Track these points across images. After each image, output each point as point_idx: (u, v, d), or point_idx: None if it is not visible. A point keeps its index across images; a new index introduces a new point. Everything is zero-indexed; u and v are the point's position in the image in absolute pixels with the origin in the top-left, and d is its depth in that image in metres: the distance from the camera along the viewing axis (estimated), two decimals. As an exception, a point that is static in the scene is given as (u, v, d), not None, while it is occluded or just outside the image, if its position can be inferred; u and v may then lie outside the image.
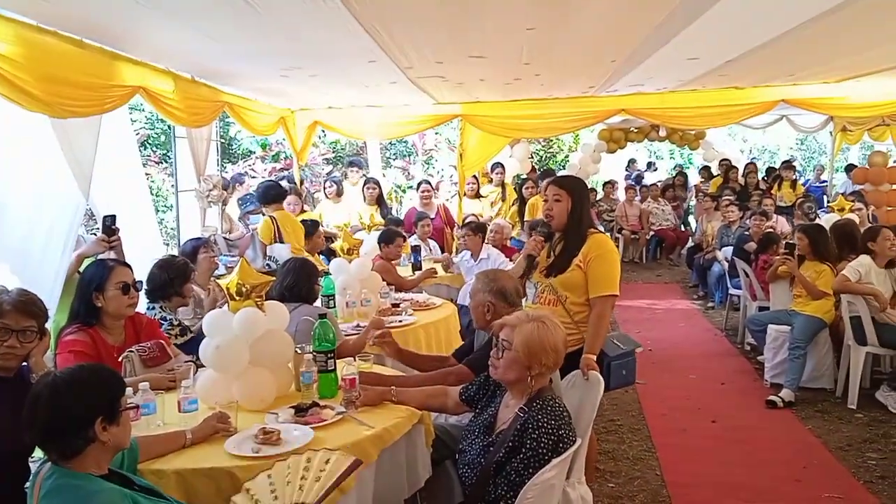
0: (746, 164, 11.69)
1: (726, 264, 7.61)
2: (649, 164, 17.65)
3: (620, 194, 12.87)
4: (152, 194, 10.64)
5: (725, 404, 5.12)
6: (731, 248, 7.54)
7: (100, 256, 4.01)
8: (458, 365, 3.18)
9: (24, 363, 2.59)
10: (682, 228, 12.28)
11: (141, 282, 3.20)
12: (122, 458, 2.10)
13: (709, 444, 4.42)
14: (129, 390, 2.36)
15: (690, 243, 10.48)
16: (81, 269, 3.99)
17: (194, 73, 5.44)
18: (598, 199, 12.43)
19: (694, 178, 14.24)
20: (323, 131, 10.48)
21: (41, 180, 3.88)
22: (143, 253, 4.76)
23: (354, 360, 2.87)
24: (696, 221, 10.68)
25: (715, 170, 12.54)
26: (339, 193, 7.90)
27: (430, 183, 8.65)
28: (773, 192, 10.28)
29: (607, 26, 4.40)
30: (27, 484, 1.92)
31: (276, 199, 5.99)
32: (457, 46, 4.87)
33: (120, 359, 3.00)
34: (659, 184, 13.36)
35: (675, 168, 14.86)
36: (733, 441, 4.44)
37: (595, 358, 3.12)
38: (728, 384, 5.58)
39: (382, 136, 9.24)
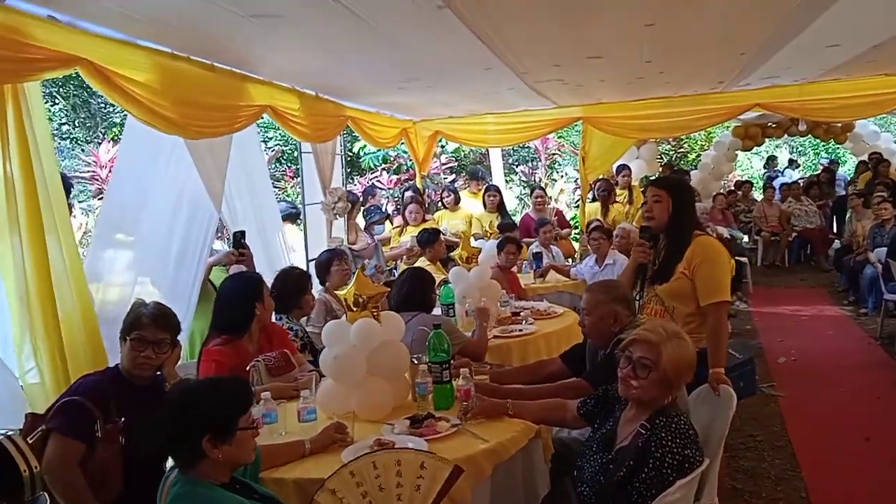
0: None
1: (880, 266, 6.95)
2: (790, 162, 16.54)
3: (758, 194, 12.14)
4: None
5: (882, 421, 4.64)
6: (884, 250, 6.88)
7: (231, 270, 4.24)
8: (575, 378, 3.06)
9: (158, 372, 2.74)
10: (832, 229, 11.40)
11: (274, 292, 3.33)
12: (246, 467, 2.16)
13: (862, 464, 4.02)
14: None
15: (838, 244, 9.70)
16: (212, 279, 4.25)
17: (318, 90, 5.64)
18: (735, 200, 11.80)
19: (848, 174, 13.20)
20: (443, 141, 10.61)
21: (178, 195, 4.13)
22: (273, 265, 4.96)
23: (471, 371, 2.83)
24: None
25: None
26: (457, 202, 7.93)
27: (543, 188, 8.54)
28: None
29: (733, 17, 4.10)
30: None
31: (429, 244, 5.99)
32: (573, 48, 4.74)
33: (248, 368, 3.12)
34: (801, 182, 12.47)
35: (819, 164, 13.77)
36: (891, 462, 4.01)
37: (723, 371, 2.89)
38: (885, 398, 5.06)
39: (502, 142, 9.19)
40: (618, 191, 9.18)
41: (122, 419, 2.51)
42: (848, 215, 9.42)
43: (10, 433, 1.93)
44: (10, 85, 2.83)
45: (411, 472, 2.03)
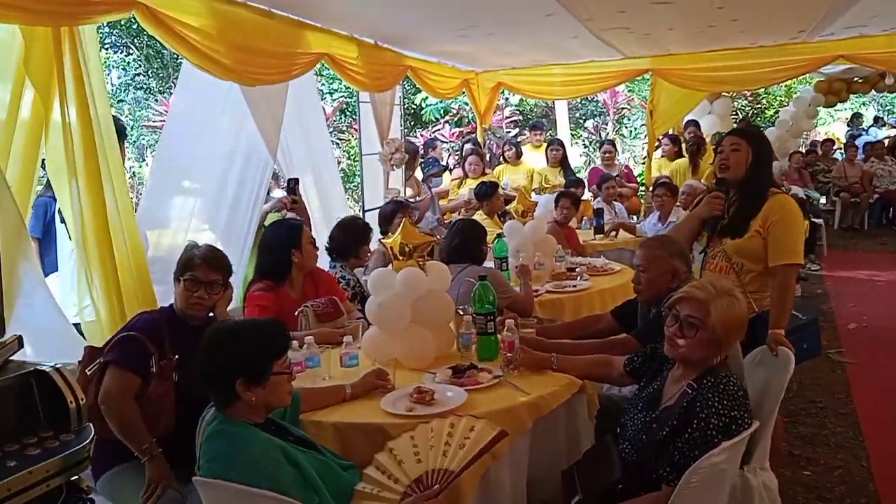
0: None
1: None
2: (876, 119, 15.62)
3: (840, 154, 11.54)
4: (350, 159, 11.28)
5: (956, 394, 4.40)
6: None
7: (287, 215, 4.28)
8: (624, 335, 2.97)
9: (211, 314, 2.80)
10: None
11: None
12: (286, 409, 2.19)
13: (933, 439, 3.83)
14: (295, 345, 2.48)
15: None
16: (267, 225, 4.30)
17: (377, 38, 5.57)
18: (815, 159, 11.25)
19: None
20: (507, 93, 10.40)
21: (233, 143, 4.16)
22: (328, 214, 4.99)
23: (516, 324, 2.78)
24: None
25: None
26: (519, 156, 7.79)
27: (613, 143, 8.31)
28: None
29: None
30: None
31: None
32: (639, -9, 4.52)
33: (296, 313, 3.16)
34: (886, 141, 11.77)
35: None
36: (965, 438, 3.81)
37: (783, 333, 2.75)
38: (961, 371, 4.80)
39: (567, 94, 8.95)
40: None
41: (176, 357, 2.57)
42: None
43: (58, 365, 1.99)
44: (67, 28, 2.87)
45: (461, 433, 2.06)
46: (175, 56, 12.02)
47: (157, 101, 11.57)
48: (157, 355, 2.54)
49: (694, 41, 6.61)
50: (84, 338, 3.02)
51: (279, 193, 5.10)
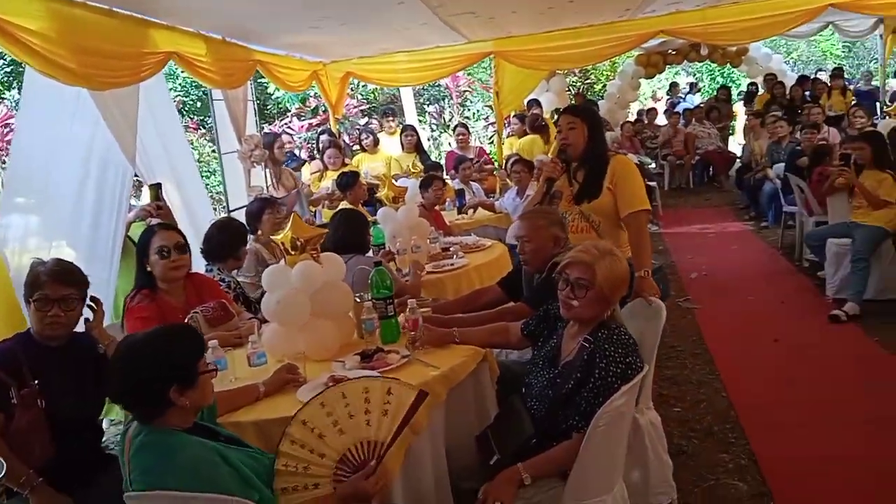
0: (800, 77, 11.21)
1: (779, 182, 7.39)
2: (691, 86, 17.14)
3: (661, 120, 12.55)
4: (198, 159, 10.81)
5: (787, 323, 5.03)
6: (782, 166, 7.31)
7: (153, 222, 4.10)
8: (514, 303, 3.17)
9: (83, 331, 2.67)
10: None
11: (183, 244, 3.13)
12: (203, 413, 2.16)
13: (772, 363, 4.37)
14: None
15: (738, 164, 10.18)
16: (131, 235, 4.11)
17: (224, 34, 5.42)
18: (642, 127, 12.16)
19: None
20: (357, 83, 10.40)
21: (87, 151, 3.94)
22: (193, 217, 4.83)
23: (415, 304, 2.89)
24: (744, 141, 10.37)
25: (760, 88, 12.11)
26: (376, 143, 7.86)
27: (465, 126, 8.57)
28: (821, 102, 9.87)
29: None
30: (112, 443, 1.99)
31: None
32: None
33: (186, 320, 3.07)
34: (703, 105, 12.97)
35: (715, 90, 14.33)
36: (798, 359, 4.38)
37: (649, 277, 3.08)
38: (788, 303, 5.48)
39: (415, 81, 9.10)
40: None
41: (36, 382, 2.42)
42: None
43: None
44: None
45: (378, 398, 2.05)
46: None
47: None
48: (17, 385, 2.38)
49: (534, 23, 6.96)
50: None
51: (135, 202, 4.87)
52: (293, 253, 2.93)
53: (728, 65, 13.71)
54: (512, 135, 8.94)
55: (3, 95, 10.34)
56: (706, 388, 4.10)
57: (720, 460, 3.29)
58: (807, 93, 10.75)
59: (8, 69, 10.20)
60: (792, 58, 20.22)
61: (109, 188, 4.01)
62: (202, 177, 10.26)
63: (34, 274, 2.54)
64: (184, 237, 3.11)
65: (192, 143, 11.24)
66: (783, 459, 3.23)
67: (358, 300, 2.97)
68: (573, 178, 3.49)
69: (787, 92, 10.93)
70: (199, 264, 3.72)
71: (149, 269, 3.10)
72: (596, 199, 3.38)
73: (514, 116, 8.90)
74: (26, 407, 2.39)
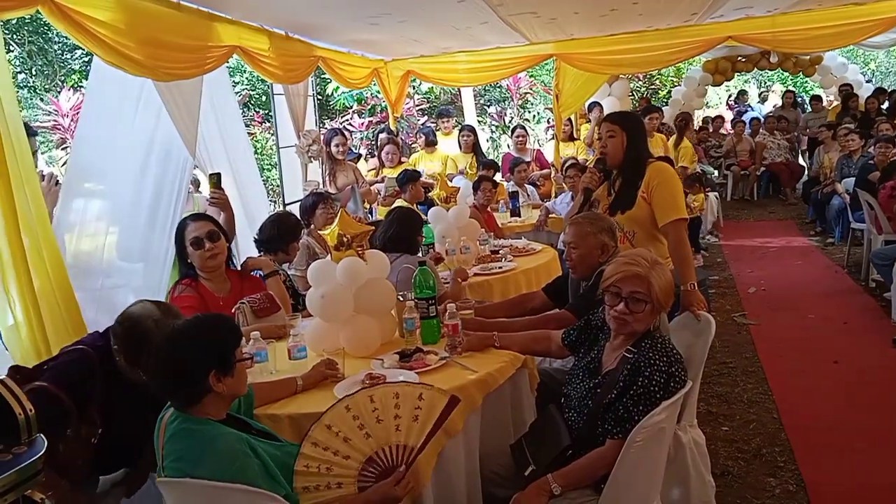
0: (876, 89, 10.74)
1: (847, 197, 7.10)
2: (760, 95, 16.64)
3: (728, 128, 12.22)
4: (257, 153, 11.04)
5: (848, 344, 4.81)
6: (852, 180, 7.02)
7: (209, 212, 4.18)
8: (559, 310, 3.11)
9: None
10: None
11: (215, 231, 3.15)
12: (240, 404, 2.19)
13: (830, 385, 4.19)
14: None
15: (805, 177, 9.83)
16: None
17: (288, 29, 5.50)
18: (707, 135, 11.86)
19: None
20: (416, 81, 10.43)
21: (149, 141, 4.04)
22: (248, 209, 4.92)
23: (456, 307, 2.86)
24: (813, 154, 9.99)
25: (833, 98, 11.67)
26: (431, 143, 7.87)
27: (524, 128, 8.49)
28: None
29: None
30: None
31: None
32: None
33: (233, 310, 3.12)
34: (773, 115, 12.56)
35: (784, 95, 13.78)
36: (857, 383, 4.19)
37: (696, 290, 2.98)
38: (851, 323, 5.25)
39: (475, 81, 9.04)
40: (584, 128, 9.22)
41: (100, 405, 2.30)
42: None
43: (3, 378, 1.92)
44: (-30, 25, 2.73)
45: (409, 403, 2.03)
46: (60, 53, 11.42)
47: (43, 100, 10.92)
48: (76, 414, 2.22)
49: (596, 25, 6.86)
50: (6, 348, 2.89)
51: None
52: (340, 249, 2.93)
53: (800, 74, 13.22)
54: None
55: (80, 84, 10.77)
56: (757, 407, 3.96)
57: (766, 484, 3.17)
58: (883, 106, 10.29)
59: (86, 58, 10.61)
60: (869, 68, 19.39)
61: (169, 179, 4.12)
62: (264, 170, 10.52)
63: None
64: (216, 223, 3.18)
65: (255, 137, 11.51)
66: (833, 487, 3.10)
67: (401, 299, 2.97)
68: (612, 187, 3.44)
69: (863, 104, 10.49)
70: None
71: (189, 260, 3.17)
72: (630, 210, 3.30)
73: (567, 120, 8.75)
74: (78, 444, 2.27)
